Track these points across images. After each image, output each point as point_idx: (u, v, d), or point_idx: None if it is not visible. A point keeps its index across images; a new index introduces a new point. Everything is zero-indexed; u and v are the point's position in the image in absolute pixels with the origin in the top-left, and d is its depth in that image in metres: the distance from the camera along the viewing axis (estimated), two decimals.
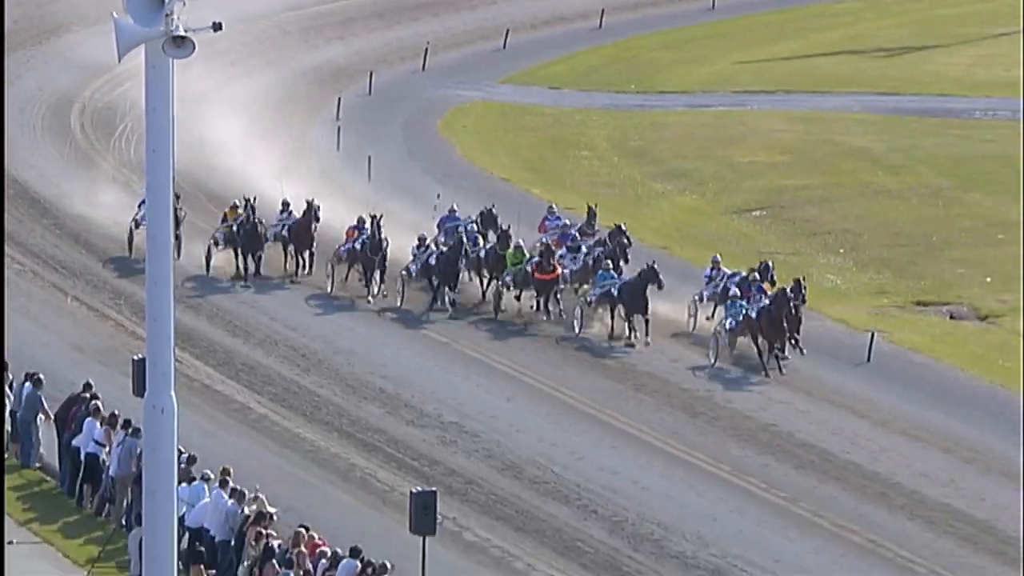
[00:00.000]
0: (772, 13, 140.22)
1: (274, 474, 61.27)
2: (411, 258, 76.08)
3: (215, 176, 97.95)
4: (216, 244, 78.64)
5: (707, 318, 74.92)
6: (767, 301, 69.68)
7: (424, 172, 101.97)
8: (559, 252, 77.16)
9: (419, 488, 53.24)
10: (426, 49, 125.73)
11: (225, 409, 67.64)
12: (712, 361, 69.63)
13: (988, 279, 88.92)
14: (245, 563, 55.92)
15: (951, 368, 78.57)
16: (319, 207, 78.00)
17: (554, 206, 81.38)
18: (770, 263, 74.26)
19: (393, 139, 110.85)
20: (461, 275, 76.60)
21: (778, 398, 69.97)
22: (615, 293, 73.58)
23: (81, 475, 62.18)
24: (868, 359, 78.18)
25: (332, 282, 76.67)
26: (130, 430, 59.72)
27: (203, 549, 58.68)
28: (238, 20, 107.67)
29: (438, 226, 78.42)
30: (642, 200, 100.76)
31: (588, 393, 69.44)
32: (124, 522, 60.75)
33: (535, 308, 74.91)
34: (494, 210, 78.48)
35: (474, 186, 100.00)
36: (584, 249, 76.62)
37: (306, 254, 78.39)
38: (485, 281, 75.94)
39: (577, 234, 78.35)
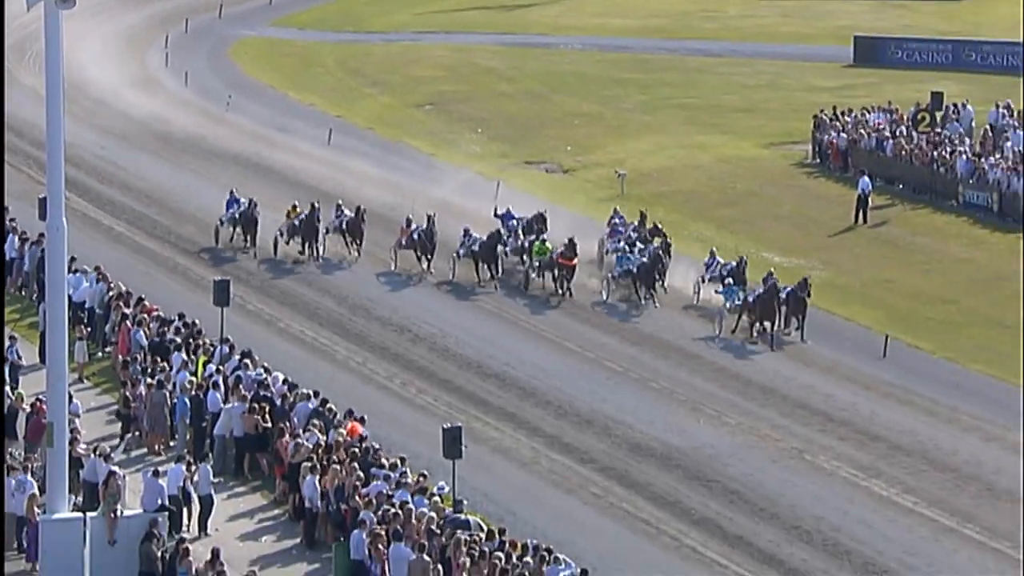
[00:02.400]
0: None
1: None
2: (459, 244, 68.60)
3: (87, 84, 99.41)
4: (281, 235, 71.65)
5: (716, 292, 65.67)
6: (761, 289, 62.43)
7: (220, 81, 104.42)
8: (609, 247, 69.14)
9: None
10: (221, 5, 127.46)
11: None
12: (717, 332, 62.59)
13: (568, 148, 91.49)
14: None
15: (540, 201, 76.62)
16: (365, 210, 71.32)
17: (617, 208, 72.14)
18: (744, 257, 66.01)
19: (200, 61, 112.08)
20: (504, 260, 68.64)
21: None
22: (634, 271, 66.46)
23: None
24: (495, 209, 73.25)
25: (395, 263, 69.74)
26: None
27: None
28: None
29: (500, 219, 70.52)
30: (356, 100, 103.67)
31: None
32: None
33: (557, 287, 66.97)
34: (545, 214, 70.29)
35: (251, 91, 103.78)
36: (636, 251, 67.29)
37: (357, 243, 71.18)
38: (522, 262, 68.31)
39: (633, 233, 69.18)
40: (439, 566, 43.76)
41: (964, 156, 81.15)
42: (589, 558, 44.92)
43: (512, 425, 55.88)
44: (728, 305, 63.53)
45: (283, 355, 59.70)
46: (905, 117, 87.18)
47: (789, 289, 62.96)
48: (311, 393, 53.09)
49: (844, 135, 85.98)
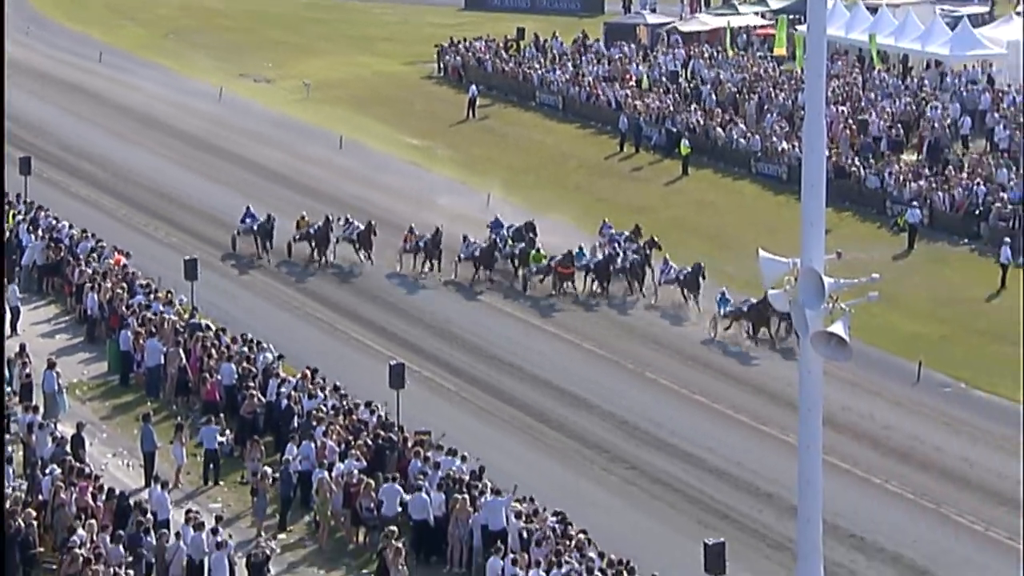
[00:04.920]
0: None
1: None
2: (460, 249, 55.17)
3: None
4: (295, 240, 56.35)
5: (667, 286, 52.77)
6: (754, 300, 48.55)
7: (18, 15, 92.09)
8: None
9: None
10: None
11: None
12: (712, 336, 49.39)
13: (270, 65, 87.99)
14: None
15: (282, 114, 77.57)
16: (376, 224, 56.22)
17: (606, 219, 57.69)
18: (700, 264, 51.85)
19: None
20: (499, 264, 55.26)
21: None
22: (627, 267, 53.60)
23: None
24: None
25: (401, 265, 55.49)
26: None
27: None
28: None
29: (490, 228, 56.79)
30: (117, 30, 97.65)
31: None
32: None
33: (554, 290, 53.59)
34: (533, 222, 56.52)
35: (43, 23, 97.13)
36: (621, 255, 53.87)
37: (367, 252, 55.75)
38: (516, 268, 54.97)
39: (623, 241, 55.52)
40: (183, 353, 43.66)
41: (540, 71, 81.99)
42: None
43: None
44: (721, 311, 50.14)
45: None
46: (500, 45, 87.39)
47: None
48: (91, 235, 53.07)
49: (459, 57, 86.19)
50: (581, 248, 54.72)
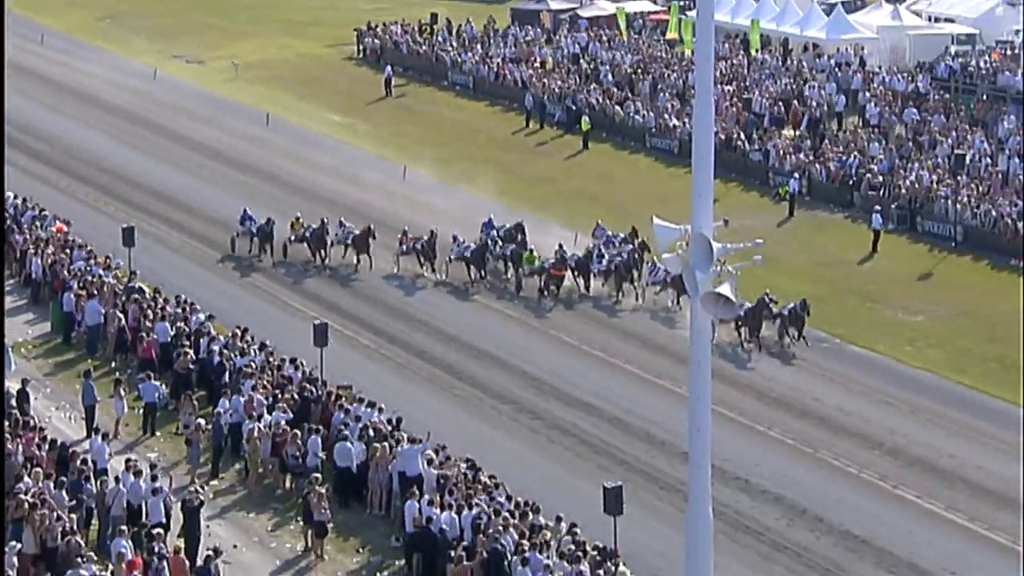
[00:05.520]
0: None
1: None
2: (451, 249, 51.13)
3: None
4: (291, 242, 52.50)
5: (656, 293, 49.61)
6: (750, 304, 45.19)
7: None
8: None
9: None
10: None
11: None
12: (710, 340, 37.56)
13: (201, 47, 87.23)
14: None
15: (212, 93, 77.09)
16: (375, 228, 52.05)
17: (600, 221, 53.54)
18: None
19: None
20: (491, 265, 51.58)
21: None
22: (614, 268, 49.52)
23: None
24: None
25: (398, 266, 51.56)
26: None
27: None
28: None
29: (482, 227, 52.54)
30: (58, 15, 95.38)
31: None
32: None
33: (545, 289, 49.71)
34: (523, 223, 52.71)
35: None
36: (607, 256, 50.27)
37: (364, 255, 51.68)
38: (507, 269, 51.29)
39: (619, 243, 51.39)
40: (121, 315, 43.39)
41: (452, 53, 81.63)
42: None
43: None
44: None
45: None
46: (415, 29, 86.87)
47: (791, 306, 46.21)
48: (32, 205, 52.66)
49: (377, 40, 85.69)
50: (561, 246, 51.14)
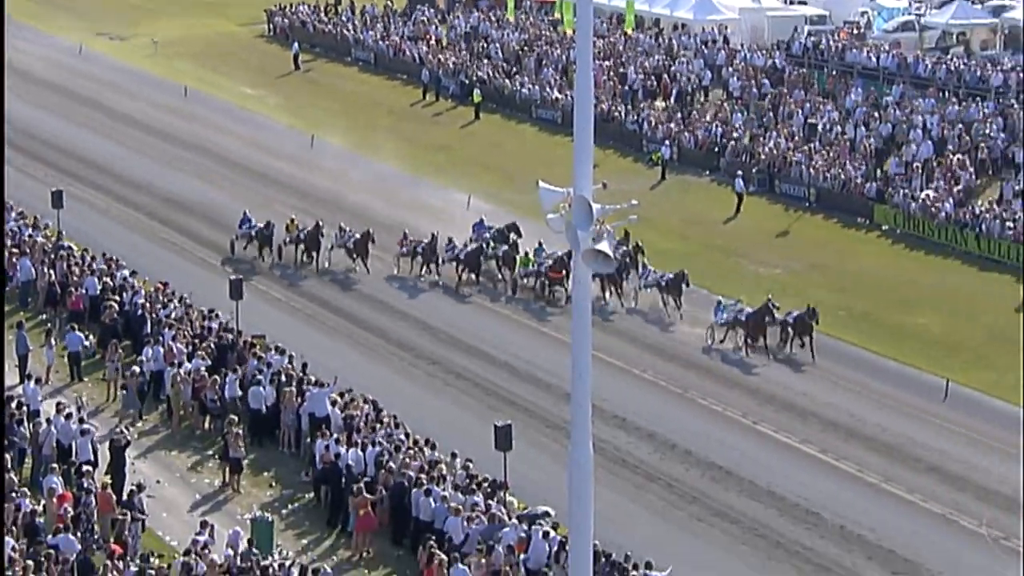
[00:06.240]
0: None
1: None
2: (445, 251, 46.75)
3: None
4: (286, 244, 47.61)
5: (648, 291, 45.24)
6: (751, 311, 41.80)
7: None
8: None
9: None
10: None
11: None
12: (709, 344, 41.90)
13: (123, 24, 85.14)
14: None
15: (134, 67, 76.23)
16: (375, 232, 46.95)
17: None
18: (684, 272, 44.04)
19: None
20: (484, 266, 46.74)
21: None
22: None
23: None
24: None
25: (398, 268, 46.79)
26: None
27: None
28: None
29: (473, 228, 48.60)
30: None
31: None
32: None
33: (543, 293, 45.53)
34: (517, 224, 47.64)
35: None
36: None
37: (364, 259, 46.77)
38: (500, 270, 46.67)
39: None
40: (51, 271, 42.64)
41: (355, 31, 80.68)
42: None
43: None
44: (717, 320, 42.45)
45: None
46: (321, 8, 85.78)
47: (796, 314, 41.75)
48: None
49: (286, 19, 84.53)
50: (541, 244, 46.76)
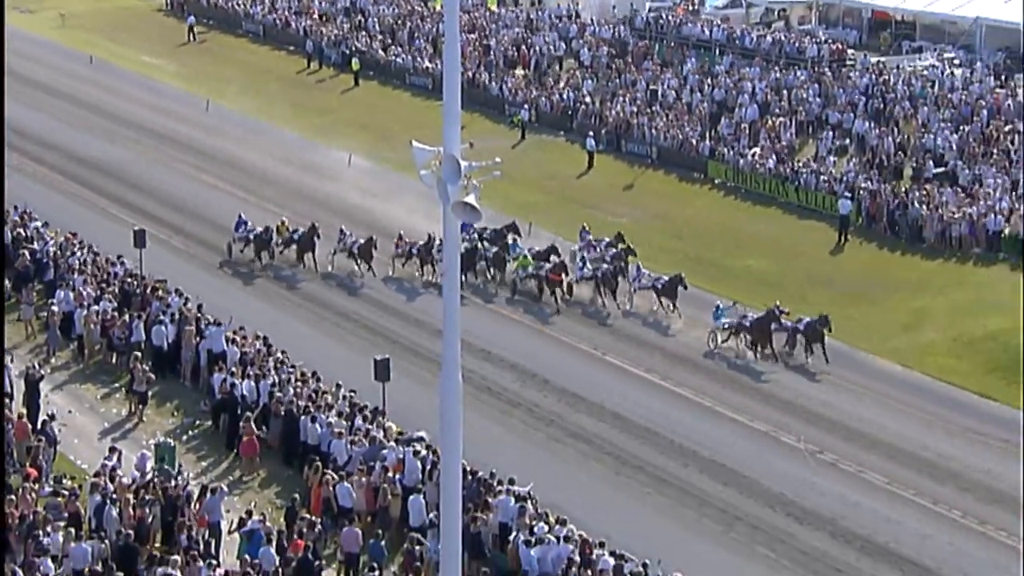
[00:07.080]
0: None
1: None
2: (438, 252, 40.47)
3: None
4: (278, 246, 42.83)
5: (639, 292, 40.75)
6: (756, 315, 37.17)
7: None
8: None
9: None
10: None
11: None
12: (711, 348, 37.26)
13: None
14: None
15: (42, 38, 73.62)
16: (377, 239, 42.46)
17: (585, 225, 44.05)
18: (682, 275, 39.72)
19: None
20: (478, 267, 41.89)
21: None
22: (599, 276, 40.22)
23: None
24: None
25: (394, 268, 42.09)
26: None
27: None
28: None
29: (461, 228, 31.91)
30: None
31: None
32: None
33: (541, 296, 40.86)
34: (515, 224, 43.29)
35: None
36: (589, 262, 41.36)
37: (367, 262, 41.87)
38: (489, 270, 42.13)
39: (603, 247, 42.18)
40: None
41: (244, 5, 78.90)
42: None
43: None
44: (719, 324, 37.72)
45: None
46: None
47: (807, 321, 36.88)
48: None
49: None
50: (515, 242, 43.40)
